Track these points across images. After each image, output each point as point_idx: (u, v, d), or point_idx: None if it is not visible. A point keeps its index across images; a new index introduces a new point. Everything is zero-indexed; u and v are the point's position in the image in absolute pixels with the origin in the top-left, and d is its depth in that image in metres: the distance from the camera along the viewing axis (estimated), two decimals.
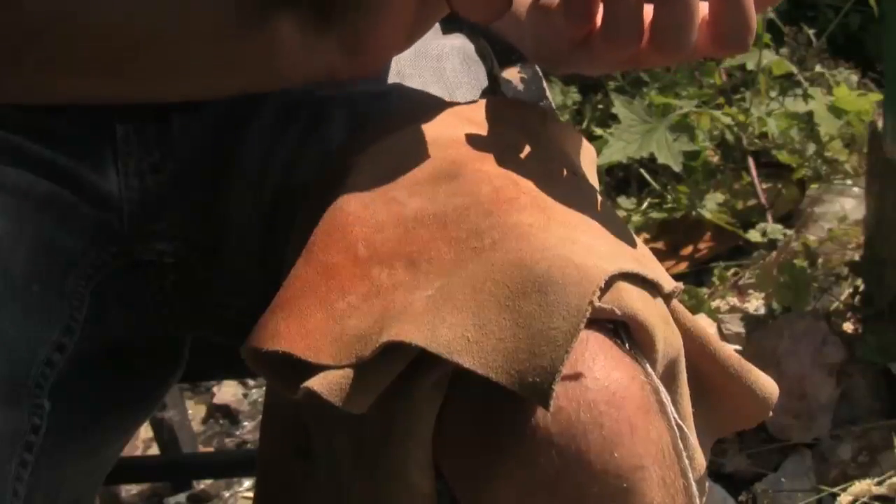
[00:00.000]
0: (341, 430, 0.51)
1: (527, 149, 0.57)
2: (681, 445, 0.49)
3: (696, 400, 0.53)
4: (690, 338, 0.53)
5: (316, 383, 0.47)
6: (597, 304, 0.46)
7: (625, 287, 0.48)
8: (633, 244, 0.54)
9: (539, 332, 0.45)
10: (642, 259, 0.53)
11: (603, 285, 0.46)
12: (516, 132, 0.58)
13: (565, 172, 0.57)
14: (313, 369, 0.49)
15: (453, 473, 0.49)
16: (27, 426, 0.58)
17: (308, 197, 0.60)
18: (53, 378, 0.60)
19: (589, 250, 0.49)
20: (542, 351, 0.44)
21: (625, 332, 0.49)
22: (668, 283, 0.52)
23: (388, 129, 0.58)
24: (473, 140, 0.56)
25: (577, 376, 0.46)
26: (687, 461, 0.49)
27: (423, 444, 0.48)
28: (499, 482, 0.46)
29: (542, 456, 0.45)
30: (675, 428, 0.49)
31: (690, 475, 0.49)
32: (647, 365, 0.49)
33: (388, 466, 0.49)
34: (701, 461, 0.53)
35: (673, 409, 0.49)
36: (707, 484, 0.57)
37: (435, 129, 0.57)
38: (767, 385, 0.54)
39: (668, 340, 0.50)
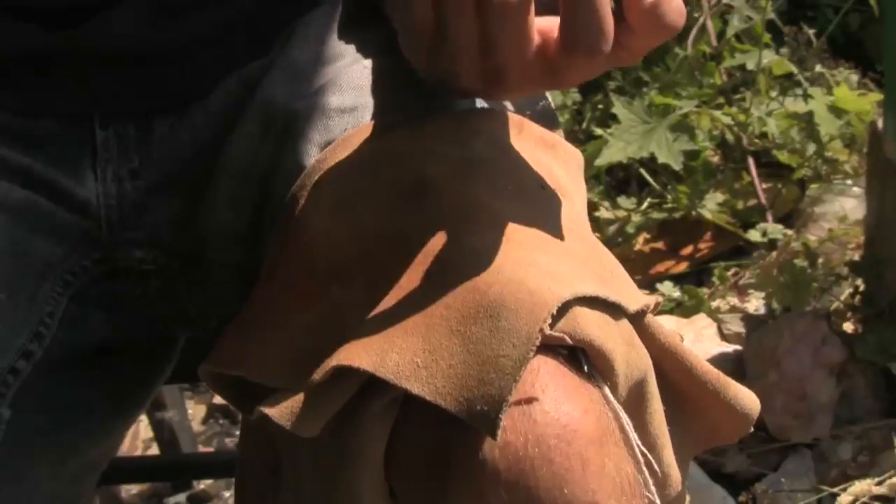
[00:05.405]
0: (302, 450, 0.51)
1: (495, 163, 0.55)
2: (646, 473, 0.48)
3: (672, 416, 0.52)
4: (666, 354, 0.52)
5: (268, 406, 0.47)
6: (547, 331, 0.45)
7: (581, 312, 0.47)
8: (601, 260, 0.53)
9: (489, 358, 0.44)
10: (609, 278, 0.51)
11: (555, 312, 0.45)
12: (486, 145, 0.57)
13: (533, 187, 0.56)
14: (270, 390, 0.49)
15: (405, 499, 0.49)
16: None
17: (282, 211, 0.59)
18: (17, 385, 0.60)
19: (546, 273, 0.47)
20: (490, 378, 0.44)
21: (584, 356, 0.48)
22: (635, 302, 0.51)
23: (357, 144, 0.57)
24: (440, 155, 0.55)
25: (526, 408, 0.45)
26: (654, 488, 0.48)
27: (374, 467, 0.48)
28: None
29: (491, 492, 0.44)
30: (639, 455, 0.48)
31: (657, 501, 0.48)
32: (607, 389, 0.48)
33: (342, 488, 0.48)
34: (676, 478, 0.52)
35: (636, 435, 0.48)
36: (687, 496, 0.56)
37: (403, 144, 0.56)
38: (748, 400, 0.53)
39: (631, 363, 0.49)
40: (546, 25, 0.47)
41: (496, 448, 0.44)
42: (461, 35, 0.46)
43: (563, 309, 0.46)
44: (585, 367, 0.48)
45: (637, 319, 0.51)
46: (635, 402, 0.50)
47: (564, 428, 0.45)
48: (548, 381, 0.46)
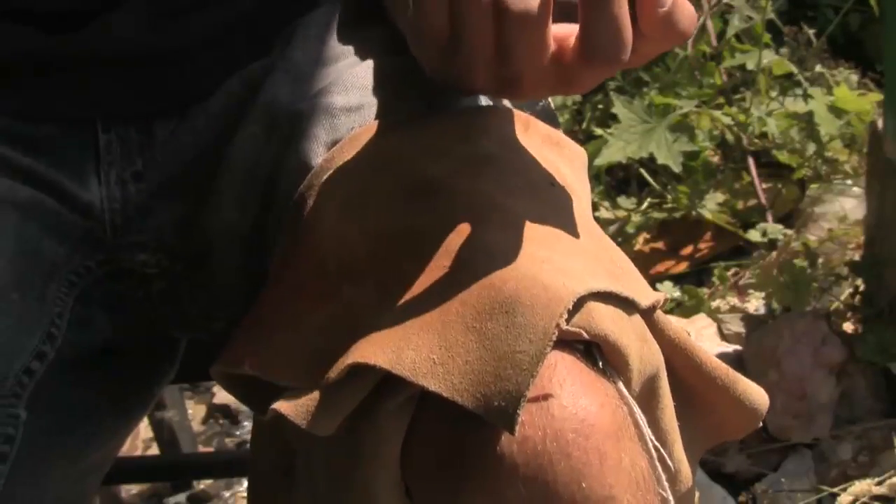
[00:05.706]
0: (316, 449, 0.51)
1: (504, 161, 0.55)
2: (659, 468, 0.48)
3: (681, 412, 0.52)
4: (676, 350, 0.52)
5: (282, 405, 0.47)
6: (563, 326, 0.45)
7: (596, 307, 0.47)
8: (612, 257, 0.53)
9: (505, 354, 0.44)
10: (619, 274, 0.52)
11: (571, 307, 0.46)
12: (494, 143, 0.57)
13: (543, 184, 0.56)
14: (282, 389, 0.49)
15: (420, 497, 0.49)
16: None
17: (289, 211, 0.59)
18: (31, 387, 0.60)
19: (559, 270, 0.48)
20: (507, 374, 0.44)
21: (598, 351, 0.48)
22: (647, 298, 0.51)
23: (364, 143, 0.57)
24: (449, 153, 0.55)
25: (543, 404, 0.45)
26: (666, 483, 0.48)
27: (390, 465, 0.48)
28: None
29: (509, 487, 0.44)
30: (653, 450, 0.48)
31: (670, 497, 0.48)
32: (622, 385, 0.48)
33: (356, 488, 0.48)
34: (687, 473, 0.52)
35: (649, 430, 0.48)
36: (696, 491, 0.56)
37: (412, 143, 0.56)
38: (756, 395, 0.53)
39: (644, 358, 0.49)
40: (561, 32, 0.47)
41: (514, 443, 0.44)
42: (477, 42, 0.46)
43: (578, 304, 0.46)
44: (600, 363, 0.48)
45: (648, 315, 0.51)
46: (647, 398, 0.50)
47: (582, 422, 0.45)
48: (565, 376, 0.46)
